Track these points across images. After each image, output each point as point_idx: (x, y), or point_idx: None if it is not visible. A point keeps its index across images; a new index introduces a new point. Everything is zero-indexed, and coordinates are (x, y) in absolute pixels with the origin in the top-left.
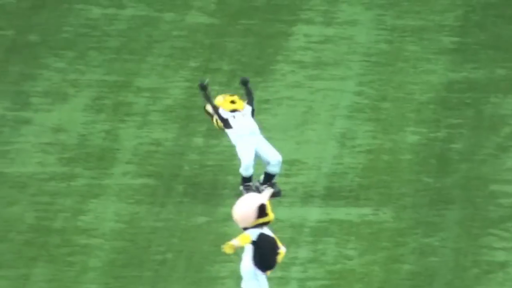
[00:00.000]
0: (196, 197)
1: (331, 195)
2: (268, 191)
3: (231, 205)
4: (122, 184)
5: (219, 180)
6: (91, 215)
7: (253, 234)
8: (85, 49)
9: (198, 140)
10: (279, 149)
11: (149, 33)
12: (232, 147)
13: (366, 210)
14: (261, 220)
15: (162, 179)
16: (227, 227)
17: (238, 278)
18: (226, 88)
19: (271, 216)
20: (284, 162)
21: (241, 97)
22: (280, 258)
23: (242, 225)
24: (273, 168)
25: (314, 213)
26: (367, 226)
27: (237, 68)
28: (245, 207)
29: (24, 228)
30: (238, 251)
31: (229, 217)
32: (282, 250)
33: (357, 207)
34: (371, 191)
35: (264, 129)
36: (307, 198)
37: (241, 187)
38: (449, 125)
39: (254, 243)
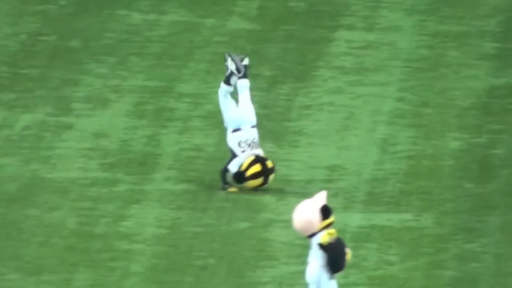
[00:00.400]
0: (237, 202)
1: (372, 201)
2: (323, 193)
3: (272, 211)
4: (163, 189)
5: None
6: (132, 221)
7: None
8: (126, 55)
9: None
10: (320, 155)
11: (190, 39)
12: (274, 153)
13: (407, 216)
14: (327, 222)
15: (203, 185)
16: (268, 233)
17: (280, 284)
18: (267, 94)
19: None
20: (325, 167)
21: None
22: (348, 258)
23: (307, 233)
24: None
25: (355, 219)
26: (408, 231)
27: (278, 74)
28: (306, 213)
29: (66, 233)
30: (278, 254)
31: (270, 223)
32: (348, 250)
33: (398, 212)
34: (413, 197)
35: (305, 135)
36: (348, 203)
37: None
38: (491, 131)
39: (323, 246)
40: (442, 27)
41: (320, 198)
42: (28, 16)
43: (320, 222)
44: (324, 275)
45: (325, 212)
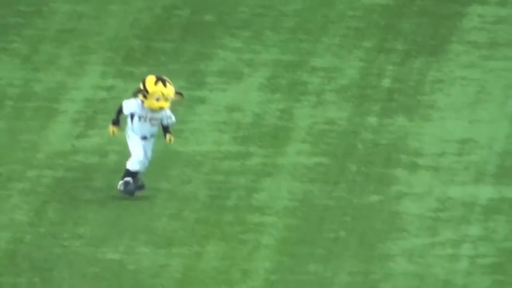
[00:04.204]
0: (369, 175)
1: (503, 174)
2: None
3: (404, 184)
4: (296, 162)
5: (393, 159)
6: (264, 194)
7: None
8: (260, 29)
9: (372, 119)
10: (452, 128)
11: (325, 14)
12: (404, 126)
13: None
14: None
15: (335, 158)
16: (399, 206)
17: (410, 256)
18: (400, 68)
19: None
20: (456, 141)
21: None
22: None
23: None
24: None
25: (485, 192)
26: None
27: (412, 48)
28: None
29: (197, 206)
30: (409, 227)
31: (401, 195)
32: None
33: None
34: None
35: (437, 108)
36: (478, 176)
37: (120, 182)
38: None
39: None
40: None
41: None
42: None
43: None
44: None
45: None
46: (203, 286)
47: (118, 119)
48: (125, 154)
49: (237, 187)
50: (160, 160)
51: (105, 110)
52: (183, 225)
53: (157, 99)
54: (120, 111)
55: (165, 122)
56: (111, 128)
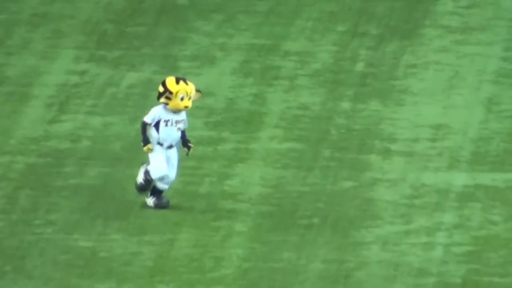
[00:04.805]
0: (343, 161)
1: (477, 160)
2: None
3: (377, 170)
4: (269, 148)
5: (366, 144)
6: (237, 180)
7: None
8: (233, 13)
9: (345, 104)
10: (426, 113)
11: None
12: (378, 111)
13: None
14: None
15: (309, 144)
16: (373, 192)
17: (384, 243)
18: (373, 52)
19: None
20: (430, 126)
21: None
22: None
23: None
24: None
25: (459, 178)
26: None
27: (385, 32)
28: None
29: (170, 193)
30: (383, 214)
31: (375, 182)
32: None
33: (502, 172)
34: None
35: (411, 94)
36: (453, 162)
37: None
38: None
39: None
40: None
41: None
42: None
43: None
44: None
45: None
46: (175, 274)
47: (147, 138)
48: (98, 139)
49: (210, 173)
50: (132, 145)
51: (77, 95)
52: (155, 213)
53: (182, 98)
54: (144, 128)
55: (183, 127)
56: (146, 147)
